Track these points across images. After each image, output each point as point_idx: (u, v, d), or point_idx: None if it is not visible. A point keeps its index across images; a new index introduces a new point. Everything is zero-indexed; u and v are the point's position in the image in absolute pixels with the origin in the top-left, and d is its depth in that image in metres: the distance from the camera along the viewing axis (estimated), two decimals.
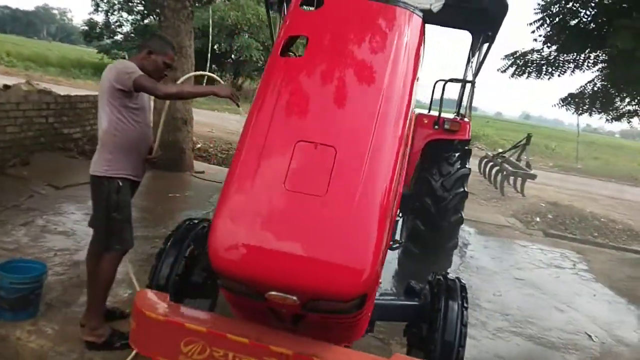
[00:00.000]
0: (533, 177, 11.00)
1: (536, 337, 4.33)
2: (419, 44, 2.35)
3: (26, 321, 3.12)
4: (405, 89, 2.14)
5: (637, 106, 7.67)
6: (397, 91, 2.10)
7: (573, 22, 7.45)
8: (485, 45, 4.74)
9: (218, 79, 3.49)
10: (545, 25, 7.67)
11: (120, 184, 2.94)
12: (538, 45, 8.35)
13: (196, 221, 2.97)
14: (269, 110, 2.03)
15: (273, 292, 1.77)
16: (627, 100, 7.75)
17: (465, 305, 2.41)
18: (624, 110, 8.05)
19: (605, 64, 7.67)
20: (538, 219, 9.41)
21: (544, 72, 8.43)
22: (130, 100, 2.88)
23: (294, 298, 1.77)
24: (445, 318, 2.33)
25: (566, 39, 7.51)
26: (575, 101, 8.60)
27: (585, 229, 9.29)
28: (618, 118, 8.10)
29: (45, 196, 5.84)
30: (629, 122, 8.25)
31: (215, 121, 15.83)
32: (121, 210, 2.96)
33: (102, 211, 2.95)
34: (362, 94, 2.08)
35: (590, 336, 4.53)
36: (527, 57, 8.58)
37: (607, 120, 8.19)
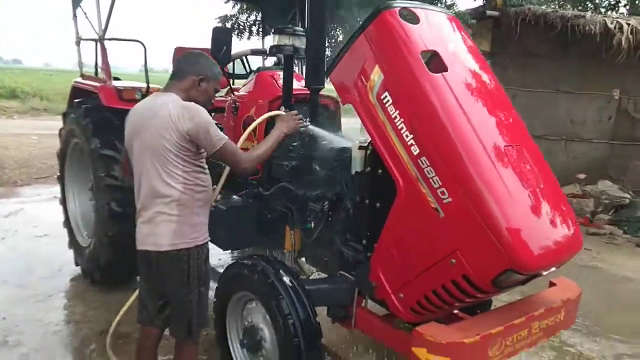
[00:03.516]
0: None
1: None
2: None
3: None
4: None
5: None
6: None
7: None
8: None
9: (279, 112, 2.79)
10: None
11: (208, 248, 2.39)
12: None
13: (256, 257, 2.66)
14: (463, 122, 2.17)
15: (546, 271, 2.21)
16: None
17: None
18: None
19: None
20: None
21: None
22: (198, 148, 2.28)
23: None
24: None
25: None
26: None
27: None
28: None
29: None
30: None
31: None
32: (207, 280, 2.39)
33: (192, 290, 2.30)
34: (498, 98, 2.50)
35: None
36: None
37: None
